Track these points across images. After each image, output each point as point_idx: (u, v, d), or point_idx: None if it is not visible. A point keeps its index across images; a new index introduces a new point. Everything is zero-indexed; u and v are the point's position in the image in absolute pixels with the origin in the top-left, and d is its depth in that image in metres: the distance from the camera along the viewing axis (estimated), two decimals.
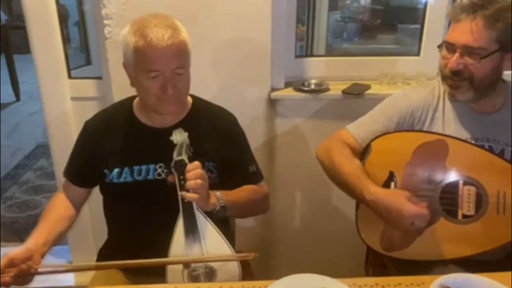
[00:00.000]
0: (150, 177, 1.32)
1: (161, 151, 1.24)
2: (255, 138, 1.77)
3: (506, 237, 1.22)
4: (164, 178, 1.30)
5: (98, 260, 1.42)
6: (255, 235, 2.09)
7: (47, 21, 1.87)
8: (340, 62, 2.08)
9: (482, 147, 1.29)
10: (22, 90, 5.34)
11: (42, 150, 4.02)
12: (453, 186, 1.25)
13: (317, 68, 2.03)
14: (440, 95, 1.39)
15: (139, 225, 1.32)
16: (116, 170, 1.32)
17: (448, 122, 1.36)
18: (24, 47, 1.92)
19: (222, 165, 1.36)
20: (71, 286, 2.16)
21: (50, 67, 1.94)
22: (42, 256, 1.19)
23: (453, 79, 1.29)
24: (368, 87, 1.92)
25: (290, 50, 1.99)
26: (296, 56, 2.03)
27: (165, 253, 1.17)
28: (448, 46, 1.29)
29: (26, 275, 1.11)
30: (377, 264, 1.51)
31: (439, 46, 1.33)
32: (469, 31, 1.23)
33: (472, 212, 1.24)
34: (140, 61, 1.21)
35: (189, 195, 1.15)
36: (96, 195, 1.45)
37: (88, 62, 2.31)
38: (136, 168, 1.32)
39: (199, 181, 1.14)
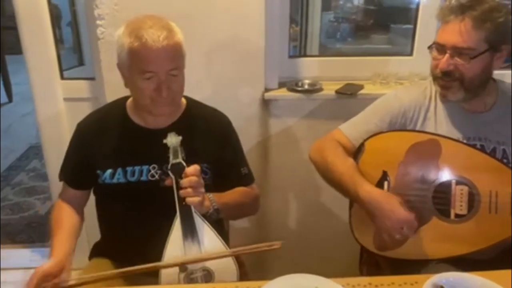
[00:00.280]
0: (144, 178, 1.31)
1: (154, 152, 1.23)
2: (249, 138, 1.77)
3: (498, 236, 1.23)
4: (158, 179, 1.30)
5: (92, 252, 1.43)
6: (249, 236, 2.09)
7: (39, 22, 1.87)
8: (333, 62, 2.08)
9: (474, 146, 1.30)
10: (15, 91, 5.30)
11: (35, 151, 3.99)
12: (446, 185, 1.26)
13: (310, 68, 2.03)
14: (432, 95, 1.40)
15: (132, 226, 1.31)
16: (109, 171, 1.32)
17: (440, 122, 1.37)
18: (16, 48, 1.91)
19: (215, 166, 1.36)
20: None
21: (42, 68, 1.93)
22: (70, 264, 1.20)
23: (444, 79, 1.30)
24: (361, 87, 1.93)
25: (283, 50, 1.99)
26: (290, 56, 2.04)
27: (158, 255, 1.17)
28: (438, 47, 1.30)
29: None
30: (371, 263, 1.51)
31: (430, 47, 1.34)
32: (458, 32, 1.24)
33: (464, 212, 1.25)
34: (135, 62, 1.20)
35: (189, 199, 1.14)
36: (89, 197, 1.45)
37: (81, 62, 2.30)
38: (129, 169, 1.32)
39: (189, 189, 1.14)
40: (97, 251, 1.43)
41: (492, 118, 1.35)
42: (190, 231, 1.16)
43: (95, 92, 1.96)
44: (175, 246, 1.17)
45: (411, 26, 2.03)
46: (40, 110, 2.00)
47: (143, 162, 1.31)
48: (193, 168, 1.16)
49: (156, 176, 1.31)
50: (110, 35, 1.72)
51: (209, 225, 1.19)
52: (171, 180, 1.15)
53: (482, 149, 1.31)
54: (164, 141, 1.18)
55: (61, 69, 1.98)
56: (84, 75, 2.03)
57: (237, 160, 1.44)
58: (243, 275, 1.30)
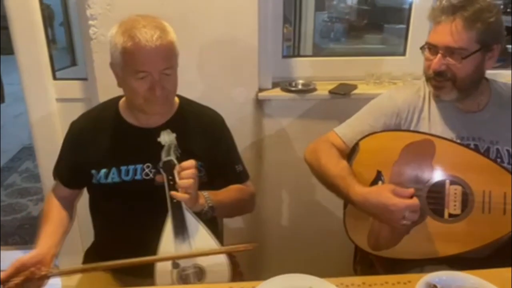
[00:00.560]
0: (138, 177, 1.31)
1: (148, 151, 1.23)
2: (242, 139, 1.77)
3: (492, 236, 1.23)
4: (152, 178, 1.30)
5: (84, 262, 1.41)
6: (243, 235, 2.09)
7: (31, 22, 1.85)
8: (327, 62, 2.08)
9: (467, 146, 1.31)
10: (7, 92, 5.24)
11: (28, 152, 3.97)
12: (440, 185, 1.26)
13: (304, 68, 2.03)
14: (425, 95, 1.40)
15: (127, 226, 1.31)
16: (103, 171, 1.31)
17: (434, 122, 1.37)
18: (9, 48, 1.89)
19: (209, 164, 1.36)
20: None
21: (34, 68, 1.91)
22: (53, 258, 1.20)
23: (437, 79, 1.31)
24: (355, 87, 1.93)
25: (277, 50, 1.99)
26: (283, 56, 2.04)
27: (153, 254, 1.17)
28: (431, 48, 1.31)
29: (39, 279, 1.13)
30: (365, 263, 1.52)
31: (422, 48, 1.34)
32: (449, 32, 1.25)
33: (458, 211, 1.25)
34: (128, 62, 1.20)
35: (180, 196, 1.14)
36: (83, 197, 1.44)
37: (74, 63, 2.29)
38: (123, 168, 1.31)
39: (191, 180, 1.14)
40: (89, 258, 1.42)
41: (486, 118, 1.35)
42: (181, 229, 1.17)
43: (88, 92, 1.94)
44: (168, 244, 1.17)
45: (404, 26, 2.04)
46: (32, 111, 1.99)
47: (137, 161, 1.31)
48: (190, 162, 1.16)
49: (151, 175, 1.31)
50: (103, 35, 1.71)
51: (201, 222, 1.19)
52: (161, 177, 1.16)
53: (476, 149, 1.32)
54: (158, 139, 1.18)
55: (54, 69, 1.97)
56: (77, 75, 2.01)
57: (231, 157, 1.44)
58: (237, 275, 1.30)
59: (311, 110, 1.95)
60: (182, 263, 1.17)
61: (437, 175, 1.27)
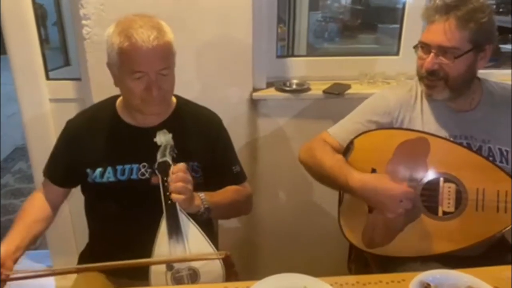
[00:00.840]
0: (134, 177, 1.31)
1: (144, 151, 1.23)
2: (237, 138, 1.76)
3: (485, 234, 1.24)
4: (148, 178, 1.29)
5: (79, 264, 1.40)
6: (238, 235, 2.09)
7: (24, 21, 1.84)
8: (321, 62, 2.09)
9: (460, 144, 1.32)
10: (0, 92, 5.22)
11: (21, 152, 3.95)
12: (434, 183, 1.27)
13: (298, 68, 2.04)
14: (418, 94, 1.41)
15: (122, 225, 1.30)
16: (99, 170, 1.31)
17: (426, 121, 1.38)
18: (1, 48, 1.88)
19: (206, 165, 1.36)
20: None
21: (27, 68, 1.90)
22: (15, 261, 1.18)
23: (429, 78, 1.32)
24: (349, 86, 1.94)
25: (271, 50, 1.99)
26: (278, 56, 2.04)
27: (148, 254, 1.17)
28: (424, 47, 1.32)
29: None
30: (360, 261, 1.52)
31: (415, 47, 1.35)
32: (442, 32, 1.26)
33: (452, 209, 1.26)
34: (125, 62, 1.19)
35: (174, 196, 1.14)
36: (77, 198, 1.43)
37: (67, 63, 2.28)
38: (119, 167, 1.31)
39: (179, 183, 1.13)
40: (84, 261, 1.40)
41: (478, 117, 1.36)
42: (175, 230, 1.16)
43: (81, 92, 1.93)
44: (163, 244, 1.17)
45: (398, 26, 2.05)
46: (26, 111, 1.98)
47: (133, 161, 1.31)
48: (181, 165, 1.16)
49: (147, 175, 1.30)
50: (96, 35, 1.70)
51: (195, 224, 1.19)
52: (157, 178, 1.15)
53: (469, 147, 1.32)
54: (155, 139, 1.17)
55: (47, 69, 1.96)
56: (70, 75, 2.00)
57: (228, 158, 1.44)
58: (233, 276, 1.30)
59: (306, 110, 1.95)
60: (176, 264, 1.17)
61: (431, 173, 1.28)
